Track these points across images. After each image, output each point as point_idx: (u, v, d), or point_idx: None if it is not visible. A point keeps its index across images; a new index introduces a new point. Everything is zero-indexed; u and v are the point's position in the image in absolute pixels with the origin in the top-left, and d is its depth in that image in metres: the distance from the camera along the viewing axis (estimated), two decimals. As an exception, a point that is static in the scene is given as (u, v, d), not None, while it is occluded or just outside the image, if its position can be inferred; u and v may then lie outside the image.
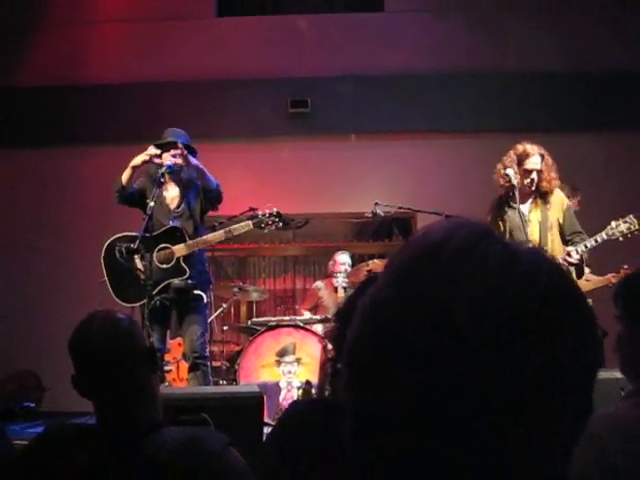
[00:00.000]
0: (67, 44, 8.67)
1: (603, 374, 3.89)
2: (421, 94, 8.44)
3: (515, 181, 5.43)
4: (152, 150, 5.32)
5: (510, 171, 5.44)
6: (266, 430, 3.98)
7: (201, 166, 5.35)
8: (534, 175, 5.23)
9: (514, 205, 5.28)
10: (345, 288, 6.70)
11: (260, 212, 5.44)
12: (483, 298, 0.62)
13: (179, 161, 5.30)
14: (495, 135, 8.24)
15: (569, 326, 0.64)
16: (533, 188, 5.25)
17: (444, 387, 0.61)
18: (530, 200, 5.31)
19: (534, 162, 5.26)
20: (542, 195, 5.31)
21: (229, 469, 1.78)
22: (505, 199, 5.38)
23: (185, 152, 5.26)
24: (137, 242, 5.02)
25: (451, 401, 0.61)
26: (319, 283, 7.80)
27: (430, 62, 8.54)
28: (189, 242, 5.27)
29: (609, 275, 6.09)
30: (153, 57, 8.60)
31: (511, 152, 5.39)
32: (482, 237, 0.67)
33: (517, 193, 5.38)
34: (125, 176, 5.37)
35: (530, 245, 0.69)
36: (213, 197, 5.41)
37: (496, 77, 8.47)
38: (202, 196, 5.42)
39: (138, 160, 5.32)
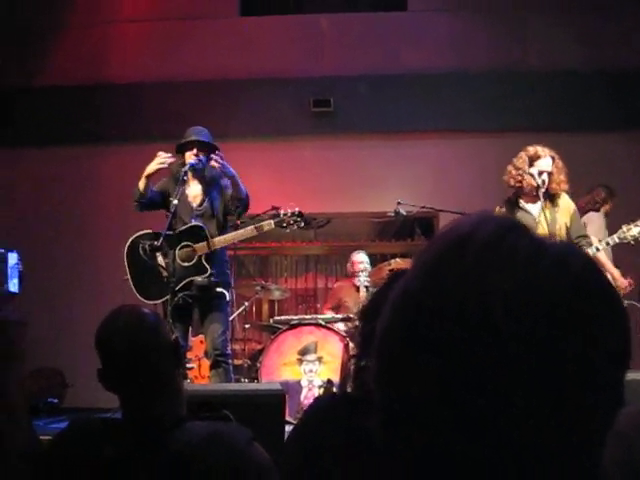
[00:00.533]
0: (88, 44, 8.73)
1: (631, 375, 3.87)
2: (443, 93, 8.42)
3: (540, 181, 5.41)
4: (162, 157, 5.32)
5: (534, 170, 5.42)
6: (287, 429, 3.98)
7: (236, 175, 5.35)
8: (545, 177, 5.23)
9: (523, 206, 5.29)
10: (367, 287, 6.69)
11: (282, 211, 5.44)
12: (512, 291, 0.62)
13: (216, 165, 5.30)
14: (517, 134, 8.19)
15: (600, 319, 0.64)
16: (543, 190, 5.22)
17: (471, 381, 0.61)
18: (539, 202, 5.28)
19: (546, 164, 5.26)
20: (551, 198, 5.30)
21: (253, 464, 1.78)
22: (514, 200, 5.37)
23: (222, 161, 5.26)
24: (160, 240, 5.05)
25: (477, 395, 0.61)
26: (339, 283, 7.81)
27: (452, 61, 8.52)
28: (212, 240, 5.28)
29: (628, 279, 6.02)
30: (175, 56, 8.63)
31: (522, 154, 5.38)
32: (509, 230, 0.67)
33: (541, 193, 5.37)
34: (142, 185, 5.37)
35: (558, 239, 0.69)
36: (240, 206, 5.41)
37: (517, 76, 8.42)
38: (228, 200, 5.43)
39: (151, 168, 5.32)
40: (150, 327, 1.93)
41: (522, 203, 5.33)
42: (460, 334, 0.62)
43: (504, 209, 5.37)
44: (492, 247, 0.65)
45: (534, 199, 5.32)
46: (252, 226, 5.38)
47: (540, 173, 5.24)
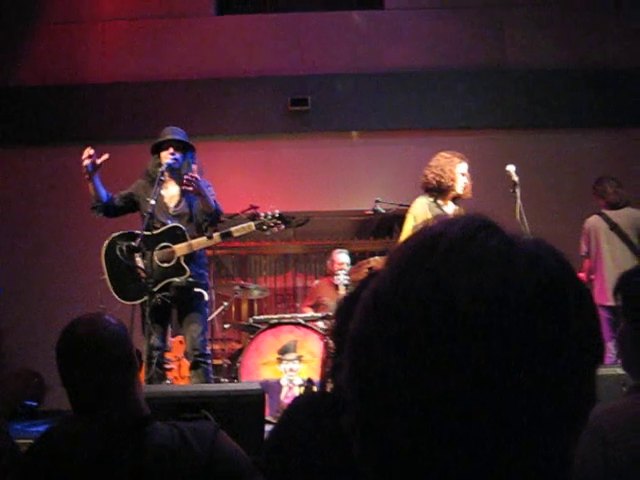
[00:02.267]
0: (66, 43, 8.67)
1: (605, 370, 3.89)
2: (421, 91, 8.44)
3: (516, 178, 5.50)
4: (85, 154, 5.24)
5: (511, 167, 5.51)
6: (267, 428, 3.98)
7: (205, 192, 5.26)
8: (466, 180, 5.45)
9: (442, 207, 5.45)
10: (346, 285, 6.70)
11: (262, 214, 5.41)
12: (484, 285, 0.62)
13: (190, 188, 5.23)
14: (497, 132, 8.27)
15: (571, 314, 0.64)
16: (464, 191, 5.44)
17: (440, 380, 0.61)
18: (451, 204, 5.50)
19: (465, 168, 5.49)
20: (456, 199, 5.50)
21: (222, 451, 1.84)
22: (434, 200, 5.47)
23: (197, 182, 5.18)
24: (138, 240, 5.02)
25: (446, 395, 0.61)
26: (317, 282, 7.81)
27: (430, 59, 8.54)
28: (191, 242, 5.26)
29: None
30: (153, 55, 8.60)
31: (450, 156, 5.52)
32: (480, 229, 0.67)
33: (518, 190, 5.46)
34: (90, 189, 5.31)
35: (530, 235, 0.69)
36: (207, 220, 5.37)
37: (496, 73, 8.47)
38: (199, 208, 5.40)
39: (84, 171, 5.25)
40: (107, 338, 1.97)
41: (440, 203, 5.46)
42: (428, 334, 0.62)
43: (428, 200, 5.43)
44: (462, 246, 0.65)
45: (447, 201, 5.48)
46: (223, 231, 5.34)
47: (462, 175, 5.44)
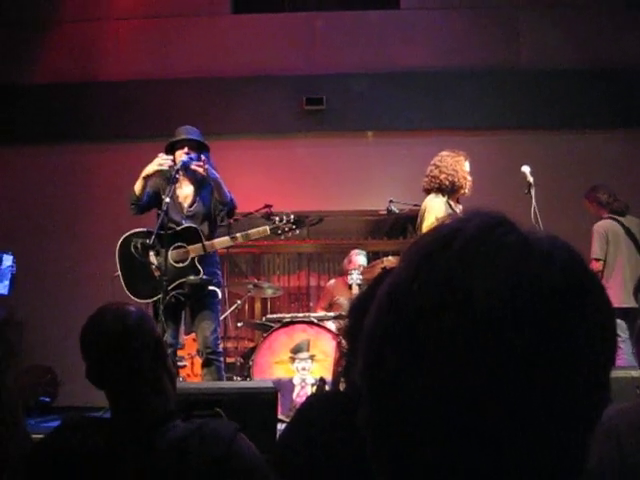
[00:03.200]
0: (81, 41, 8.71)
1: (619, 373, 3.87)
2: (435, 91, 8.43)
3: (531, 179, 5.50)
4: (162, 158, 5.29)
5: (526, 168, 5.50)
6: (280, 426, 3.98)
7: (219, 179, 5.33)
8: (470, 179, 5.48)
9: (454, 207, 5.45)
10: (359, 285, 6.69)
11: (277, 217, 5.42)
12: (499, 281, 0.62)
13: (200, 170, 5.28)
14: (509, 132, 8.24)
15: (587, 311, 0.64)
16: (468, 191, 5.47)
17: (460, 371, 0.61)
18: (459, 205, 5.52)
19: (468, 166, 5.54)
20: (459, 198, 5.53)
21: (239, 454, 1.81)
22: (446, 200, 5.47)
23: (206, 166, 5.24)
24: (153, 238, 5.03)
25: (467, 386, 0.61)
26: (332, 282, 7.80)
27: (444, 59, 8.52)
28: (206, 243, 5.27)
29: None
30: (167, 54, 8.62)
31: (456, 156, 5.55)
32: (497, 225, 0.67)
33: (533, 191, 5.45)
34: (138, 187, 5.35)
35: (547, 232, 0.69)
36: (224, 210, 5.40)
37: (510, 74, 8.44)
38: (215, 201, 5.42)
39: (150, 169, 5.30)
40: (134, 325, 1.94)
41: (452, 203, 5.47)
42: (443, 329, 0.62)
43: (442, 199, 5.41)
44: (478, 242, 0.65)
45: (455, 200, 5.50)
46: (245, 232, 5.37)
47: (468, 174, 5.48)
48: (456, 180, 5.41)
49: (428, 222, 5.34)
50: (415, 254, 0.68)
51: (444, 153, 5.55)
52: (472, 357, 0.61)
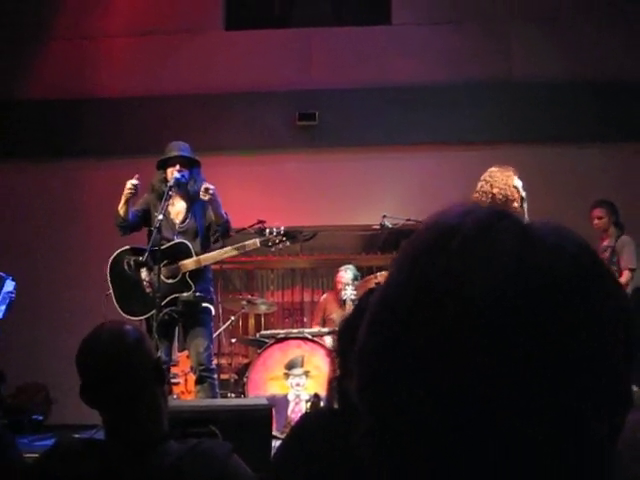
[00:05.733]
0: (74, 57, 8.71)
1: None
2: (428, 106, 8.44)
3: (523, 193, 5.49)
4: (129, 185, 5.28)
5: (518, 182, 5.50)
6: (275, 443, 3.96)
7: (219, 200, 5.34)
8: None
9: None
10: (353, 301, 6.68)
11: (267, 230, 5.41)
12: (500, 278, 0.60)
13: (206, 198, 5.27)
14: (504, 146, 8.25)
15: (601, 301, 0.62)
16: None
17: (462, 376, 0.59)
18: None
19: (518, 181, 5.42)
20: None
21: (234, 475, 1.79)
22: None
23: (213, 194, 5.24)
24: (145, 255, 5.02)
25: (470, 389, 0.59)
26: (324, 297, 7.80)
27: (437, 74, 8.55)
28: (198, 257, 5.26)
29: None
30: (160, 70, 8.63)
31: (505, 171, 5.43)
32: (498, 219, 0.65)
33: (525, 205, 5.44)
34: (122, 210, 5.35)
35: (552, 222, 0.67)
36: (219, 231, 5.40)
37: (503, 88, 8.46)
38: (208, 223, 5.42)
39: (124, 198, 5.30)
40: (131, 344, 1.91)
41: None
42: (443, 332, 0.60)
43: None
44: (477, 239, 0.63)
45: None
46: (237, 245, 5.36)
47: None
48: (509, 194, 5.40)
49: None
50: (412, 252, 0.66)
51: (493, 169, 5.54)
52: (476, 358, 0.59)
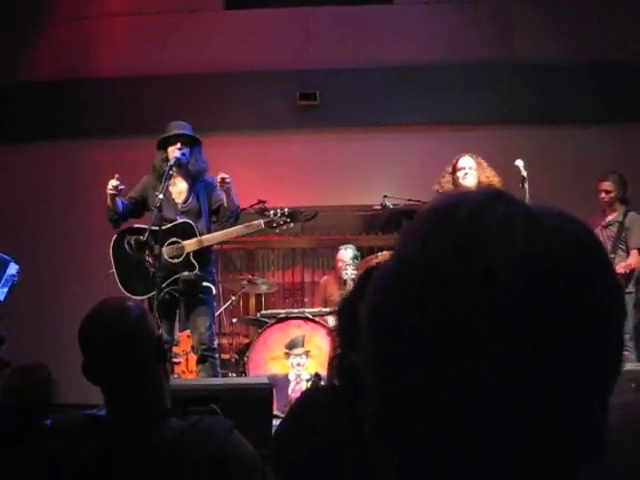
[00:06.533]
0: (75, 38, 8.67)
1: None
2: (430, 86, 8.42)
3: (524, 173, 5.53)
4: (111, 185, 5.26)
5: (520, 162, 5.54)
6: (275, 422, 3.98)
7: (232, 190, 5.35)
8: (467, 170, 5.59)
9: None
10: (354, 280, 6.69)
11: (271, 211, 5.41)
12: (516, 252, 0.61)
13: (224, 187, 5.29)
14: (505, 127, 8.24)
15: (599, 276, 0.64)
16: (467, 182, 5.55)
17: (471, 360, 0.60)
18: None
19: (464, 161, 5.66)
20: None
21: (235, 451, 1.80)
22: None
23: (230, 183, 5.23)
24: (146, 234, 5.02)
25: (478, 374, 0.60)
26: (324, 278, 7.82)
27: (438, 53, 8.52)
28: (201, 237, 5.26)
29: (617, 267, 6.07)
30: (161, 50, 8.59)
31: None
32: (496, 197, 0.66)
33: (526, 185, 5.48)
34: (110, 205, 5.35)
35: (552, 206, 0.68)
36: (232, 217, 5.38)
37: (504, 68, 8.43)
38: (219, 204, 5.40)
39: (108, 197, 5.30)
40: (134, 321, 1.91)
41: None
42: (460, 303, 0.60)
43: None
44: (484, 209, 0.63)
45: None
46: (241, 225, 5.36)
47: (459, 169, 5.64)
48: (436, 188, 5.73)
49: None
50: (420, 230, 0.66)
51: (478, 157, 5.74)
52: (491, 330, 0.60)
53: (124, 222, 5.49)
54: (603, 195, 6.51)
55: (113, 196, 5.27)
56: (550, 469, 0.62)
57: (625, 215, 6.44)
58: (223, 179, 5.17)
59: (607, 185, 6.50)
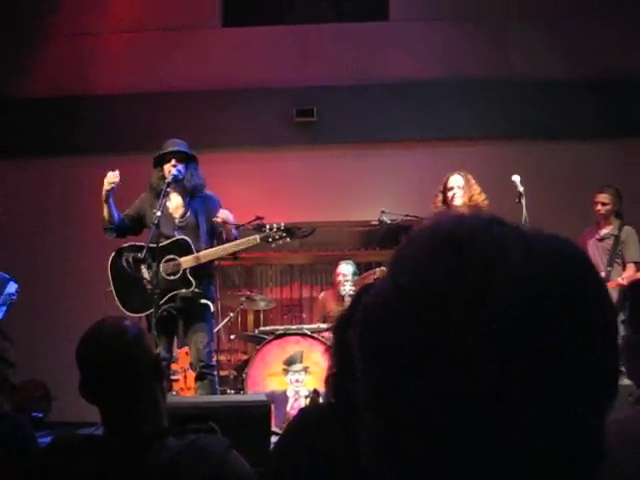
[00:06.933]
0: (73, 54, 8.70)
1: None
2: (426, 102, 8.44)
3: (521, 188, 5.56)
4: (109, 177, 5.28)
5: (516, 177, 5.58)
6: (274, 439, 3.97)
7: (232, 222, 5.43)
8: (455, 190, 5.72)
9: None
10: (352, 296, 6.68)
11: (267, 225, 5.43)
12: (513, 276, 0.61)
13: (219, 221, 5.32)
14: (500, 142, 8.26)
15: (594, 301, 0.64)
16: (455, 202, 5.68)
17: (466, 380, 0.60)
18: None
19: (453, 180, 5.78)
20: (469, 210, 5.59)
21: (232, 471, 1.79)
22: None
23: (228, 217, 5.31)
24: (144, 252, 5.03)
25: (473, 394, 0.60)
26: (322, 294, 7.81)
27: (434, 70, 8.55)
28: (197, 254, 5.26)
29: (617, 279, 6.09)
30: (159, 67, 8.62)
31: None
32: (492, 222, 0.66)
33: (523, 200, 5.51)
34: (104, 211, 5.37)
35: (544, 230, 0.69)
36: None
37: (501, 84, 8.46)
38: (216, 221, 5.44)
39: (104, 192, 5.31)
40: (131, 340, 1.92)
41: None
42: (458, 323, 0.61)
43: None
44: (482, 232, 0.64)
45: None
46: (237, 241, 5.37)
47: (449, 189, 5.76)
48: (432, 207, 5.88)
49: None
50: (413, 255, 0.66)
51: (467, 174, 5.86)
52: (486, 350, 0.60)
53: (120, 238, 5.49)
54: (599, 207, 6.49)
55: (108, 195, 5.27)
56: None
57: (620, 229, 6.44)
58: (223, 220, 5.29)
59: (604, 197, 6.50)
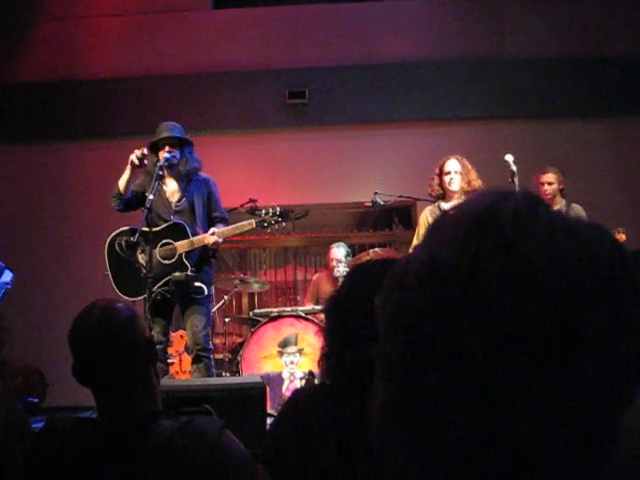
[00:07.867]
0: (63, 39, 8.65)
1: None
2: (419, 82, 8.43)
3: (514, 167, 5.56)
4: (138, 153, 5.27)
5: (509, 157, 5.57)
6: (269, 421, 3.99)
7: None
8: (453, 175, 5.70)
9: (441, 206, 5.76)
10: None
11: (263, 210, 5.42)
12: (560, 255, 0.61)
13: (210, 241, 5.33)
14: (494, 122, 8.25)
15: (631, 290, 0.64)
16: (453, 187, 5.68)
17: (520, 342, 0.60)
18: (455, 199, 5.68)
19: (450, 164, 5.74)
20: (466, 195, 5.62)
21: (226, 451, 1.80)
22: (437, 206, 5.82)
23: (219, 237, 5.30)
24: (137, 236, 5.01)
25: (514, 368, 0.60)
26: (316, 275, 7.82)
27: (428, 49, 8.53)
28: (192, 239, 5.26)
29: None
30: (150, 50, 8.58)
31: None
32: (537, 201, 0.66)
33: (516, 180, 5.50)
34: (122, 182, 5.34)
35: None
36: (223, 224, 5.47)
37: (494, 63, 8.45)
38: (212, 202, 5.45)
39: (128, 165, 5.28)
40: (123, 321, 1.92)
41: (441, 204, 5.78)
42: (504, 300, 0.60)
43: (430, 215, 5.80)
44: (527, 216, 0.63)
45: (450, 197, 5.74)
46: (233, 226, 5.37)
47: (446, 174, 5.73)
48: (428, 190, 5.93)
49: None
50: (452, 232, 0.65)
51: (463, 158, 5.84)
52: (531, 329, 0.59)
53: (122, 211, 5.47)
54: (546, 187, 6.36)
55: (133, 169, 5.27)
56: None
57: (568, 207, 6.33)
58: (215, 242, 5.29)
59: (549, 177, 6.39)
